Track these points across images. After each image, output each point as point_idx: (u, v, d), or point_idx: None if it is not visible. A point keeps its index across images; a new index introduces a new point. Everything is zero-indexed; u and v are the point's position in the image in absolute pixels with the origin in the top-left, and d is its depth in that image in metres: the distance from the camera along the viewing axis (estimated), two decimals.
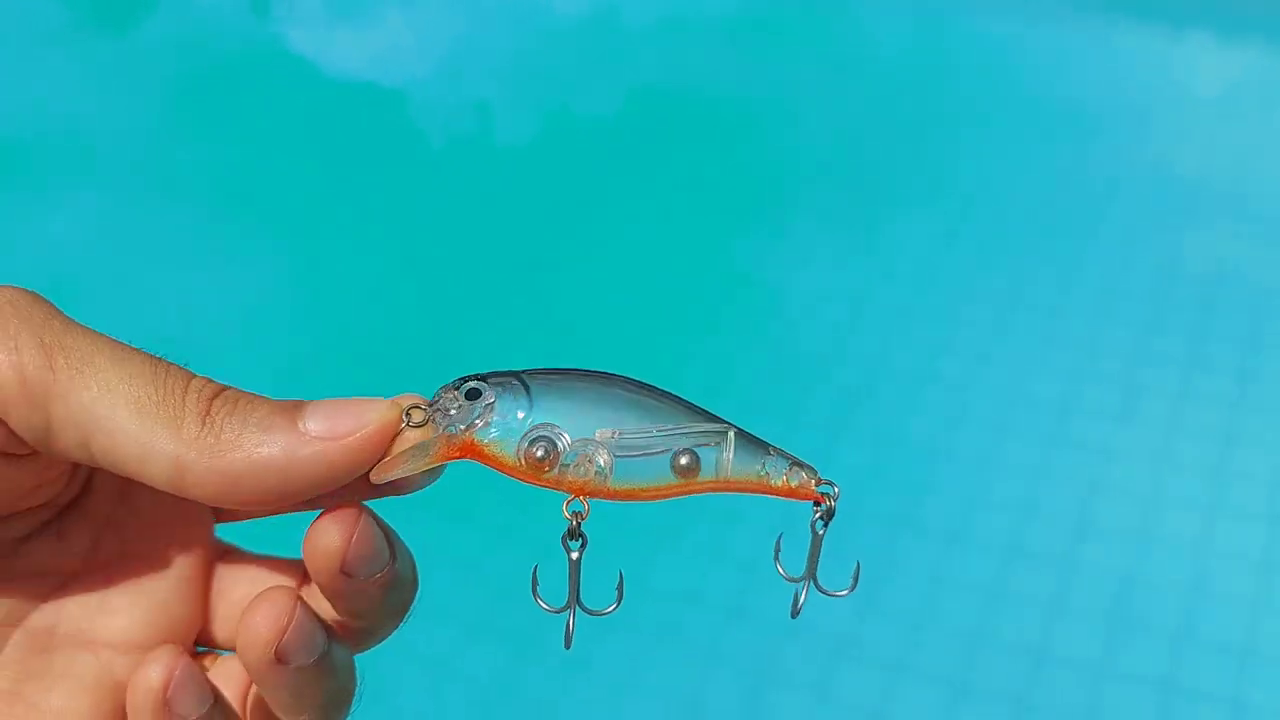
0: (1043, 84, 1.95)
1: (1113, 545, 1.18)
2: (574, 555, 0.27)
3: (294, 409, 0.25)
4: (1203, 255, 1.55)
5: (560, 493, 0.26)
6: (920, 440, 1.32)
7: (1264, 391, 1.32)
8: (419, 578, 0.28)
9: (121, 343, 0.24)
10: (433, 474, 0.26)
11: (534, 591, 0.28)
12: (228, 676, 0.27)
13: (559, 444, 0.26)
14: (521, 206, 1.79)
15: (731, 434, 0.27)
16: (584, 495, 0.26)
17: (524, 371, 0.27)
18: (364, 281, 1.60)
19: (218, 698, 0.26)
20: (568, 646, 0.27)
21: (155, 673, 0.24)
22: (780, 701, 1.08)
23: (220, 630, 0.28)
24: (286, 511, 0.27)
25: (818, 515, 0.27)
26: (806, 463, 0.27)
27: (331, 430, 0.24)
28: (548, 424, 0.26)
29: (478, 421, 0.26)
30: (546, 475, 0.26)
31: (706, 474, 0.26)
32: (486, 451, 0.26)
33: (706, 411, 0.27)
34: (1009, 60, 2.04)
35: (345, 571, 0.25)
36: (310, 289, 1.61)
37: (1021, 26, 2.10)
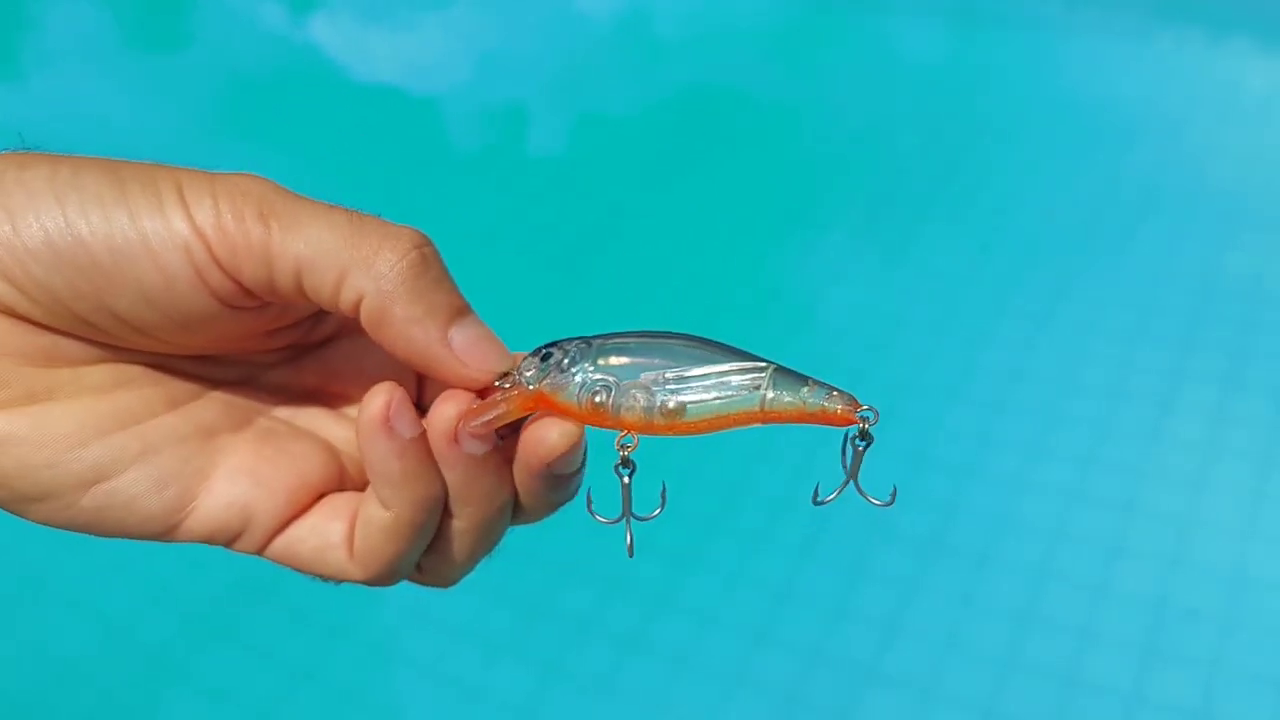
0: (1078, 93, 1.93)
1: (1146, 570, 1.16)
2: (625, 480, 0.31)
3: (455, 315, 0.30)
4: (1242, 269, 1.52)
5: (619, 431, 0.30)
6: (950, 460, 1.31)
7: None
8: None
9: (327, 204, 0.30)
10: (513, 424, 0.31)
11: (589, 508, 0.33)
12: None
13: (612, 389, 0.30)
14: (553, 214, 1.80)
15: (770, 370, 0.30)
16: (639, 432, 0.30)
17: (592, 336, 0.31)
18: None
19: (425, 432, 0.31)
20: (630, 555, 0.32)
21: (379, 400, 0.30)
22: None
23: None
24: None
25: (856, 436, 0.30)
26: (845, 391, 0.30)
27: (464, 354, 0.30)
28: (605, 375, 0.30)
29: (548, 378, 0.30)
30: (606, 417, 0.30)
31: (747, 406, 0.30)
32: (555, 400, 0.30)
33: (748, 354, 0.30)
34: (1044, 70, 2.02)
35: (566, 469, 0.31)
36: None
37: (1056, 35, 2.08)
